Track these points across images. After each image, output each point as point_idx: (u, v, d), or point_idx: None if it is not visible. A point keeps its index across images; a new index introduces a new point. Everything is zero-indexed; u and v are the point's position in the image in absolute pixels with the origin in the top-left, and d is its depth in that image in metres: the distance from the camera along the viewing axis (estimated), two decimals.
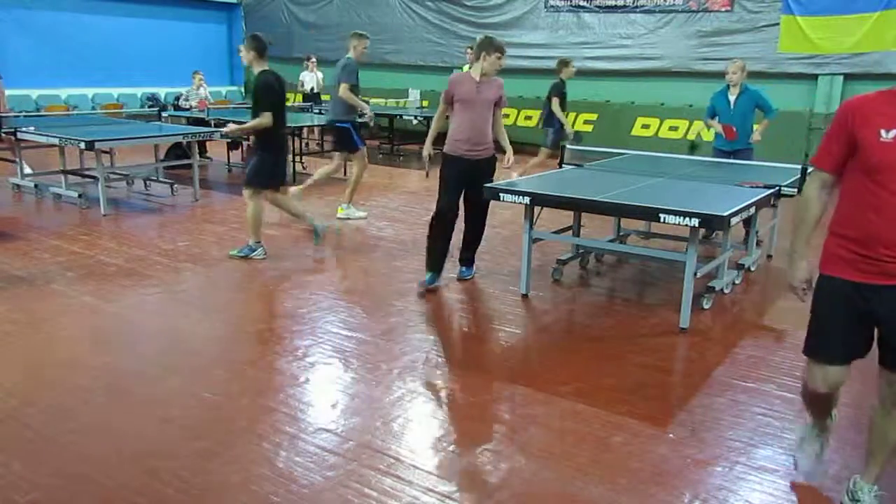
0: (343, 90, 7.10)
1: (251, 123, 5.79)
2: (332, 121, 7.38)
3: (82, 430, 3.21)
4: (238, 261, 5.88)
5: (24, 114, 11.06)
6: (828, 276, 2.53)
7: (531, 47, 13.03)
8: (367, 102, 8.34)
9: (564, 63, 8.82)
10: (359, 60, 7.24)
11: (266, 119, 5.62)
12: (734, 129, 6.47)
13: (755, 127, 6.61)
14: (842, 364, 2.57)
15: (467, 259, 5.55)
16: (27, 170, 8.76)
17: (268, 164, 5.82)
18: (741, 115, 6.51)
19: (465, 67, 11.16)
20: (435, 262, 5.22)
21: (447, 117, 5.21)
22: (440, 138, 5.28)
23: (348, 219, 7.49)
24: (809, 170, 2.59)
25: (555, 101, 8.69)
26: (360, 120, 7.45)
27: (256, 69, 5.74)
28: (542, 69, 12.85)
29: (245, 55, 5.80)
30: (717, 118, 6.66)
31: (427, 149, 5.34)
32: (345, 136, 7.31)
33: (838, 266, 2.48)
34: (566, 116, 8.92)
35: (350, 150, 7.42)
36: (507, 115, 13.27)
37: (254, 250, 5.94)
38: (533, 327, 4.73)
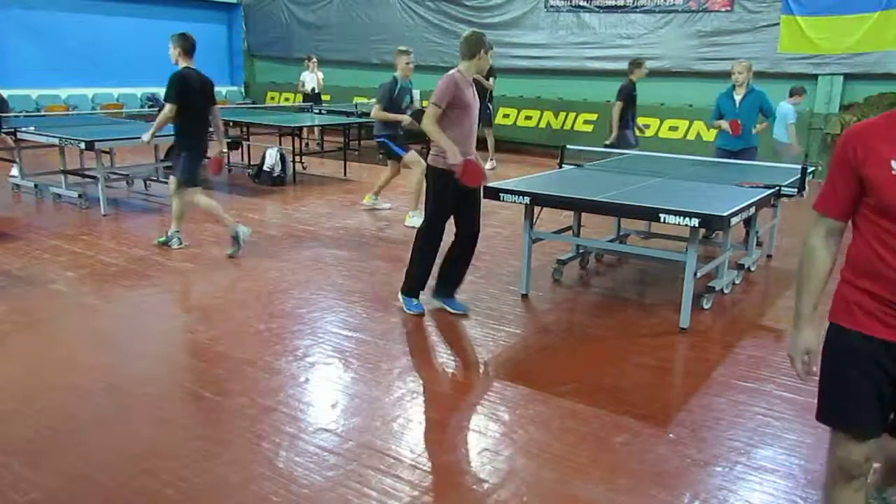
0: (374, 112, 7.46)
1: (158, 118, 6.08)
2: (374, 135, 7.84)
3: (82, 430, 3.21)
4: (238, 261, 5.89)
5: (24, 114, 11.06)
6: (842, 328, 2.01)
7: (531, 47, 13.03)
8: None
9: (637, 64, 8.51)
10: (405, 77, 7.39)
11: (167, 111, 5.85)
12: (739, 122, 6.47)
13: (756, 127, 6.64)
14: (873, 435, 2.03)
15: (453, 289, 4.89)
16: (13, 171, 8.74)
17: (191, 163, 6.01)
18: (746, 115, 6.52)
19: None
20: (421, 282, 4.75)
21: None
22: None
23: (373, 208, 8.06)
24: (814, 218, 2.09)
25: (617, 105, 8.37)
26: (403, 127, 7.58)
27: (181, 66, 5.94)
28: (543, 69, 12.88)
29: (171, 52, 5.96)
30: (722, 119, 6.67)
31: (457, 156, 4.38)
32: (385, 148, 7.63)
33: (857, 317, 1.97)
34: (636, 119, 8.69)
35: (394, 158, 7.69)
36: (507, 115, 13.39)
37: (171, 239, 6.25)
38: (533, 327, 4.73)
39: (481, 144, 8.59)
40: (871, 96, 10.24)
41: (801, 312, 2.10)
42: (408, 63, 7.28)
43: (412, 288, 4.76)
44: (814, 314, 2.09)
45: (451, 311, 4.77)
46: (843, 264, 2.03)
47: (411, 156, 7.50)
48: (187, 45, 5.93)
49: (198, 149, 6.06)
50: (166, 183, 8.79)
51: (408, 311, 4.73)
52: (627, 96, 8.45)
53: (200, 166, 6.14)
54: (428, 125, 4.39)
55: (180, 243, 6.26)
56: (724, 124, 6.58)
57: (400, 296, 4.82)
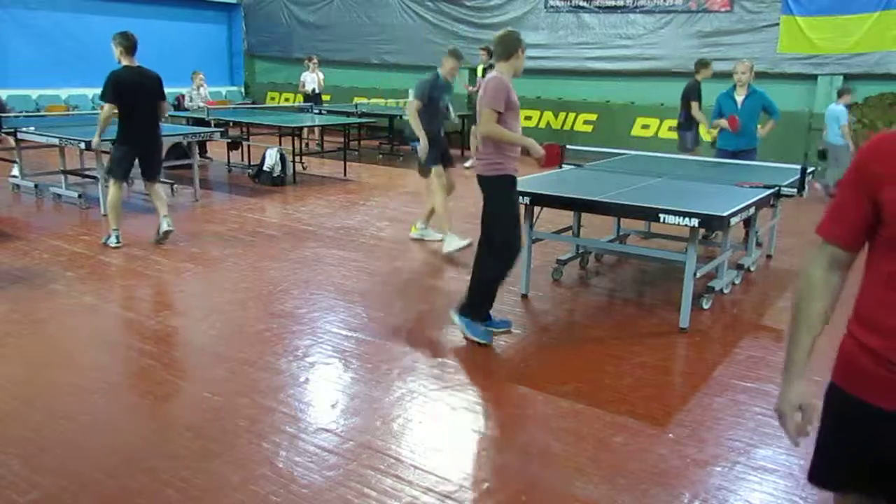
0: (409, 108, 6.49)
1: (98, 119, 6.32)
2: (408, 139, 6.96)
3: (82, 430, 3.21)
4: (238, 261, 5.89)
5: (24, 114, 11.05)
6: (841, 390, 1.70)
7: (531, 47, 12.81)
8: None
9: (704, 64, 8.40)
10: (449, 76, 6.53)
11: (105, 110, 6.08)
12: (737, 118, 6.46)
13: (759, 127, 6.62)
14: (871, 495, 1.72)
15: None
16: (13, 171, 8.77)
17: (117, 156, 6.18)
18: (748, 115, 6.51)
19: (480, 69, 11.27)
20: (489, 306, 4.47)
21: None
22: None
23: (421, 238, 6.81)
24: (817, 245, 1.74)
25: (694, 105, 8.22)
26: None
27: (122, 65, 6.15)
28: (543, 69, 12.87)
29: (114, 51, 6.16)
30: (722, 118, 6.66)
31: (538, 147, 4.28)
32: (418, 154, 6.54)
33: (858, 381, 1.65)
34: (689, 121, 8.50)
35: (424, 168, 6.61)
36: None
37: (110, 237, 6.24)
38: (533, 327, 4.72)
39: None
40: (871, 97, 10.24)
41: (794, 360, 1.74)
42: (453, 67, 6.51)
43: (481, 313, 4.39)
44: (807, 361, 1.73)
45: (496, 331, 4.48)
46: (851, 314, 1.69)
47: (437, 170, 6.51)
48: (128, 45, 6.11)
49: (129, 144, 6.14)
50: (166, 183, 8.80)
51: (475, 338, 4.29)
52: (699, 96, 8.31)
53: (128, 162, 6.23)
54: (493, 129, 4.12)
55: (118, 242, 6.18)
56: (724, 122, 6.57)
57: (461, 319, 4.35)
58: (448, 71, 6.53)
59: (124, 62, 6.10)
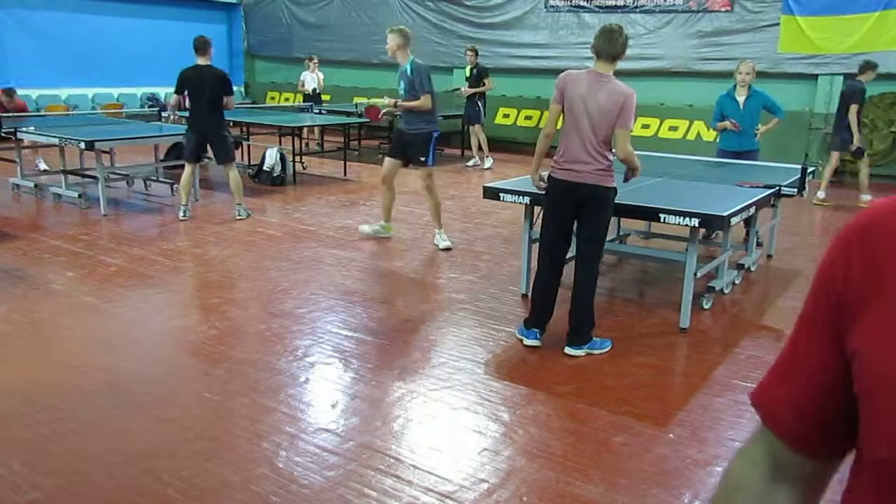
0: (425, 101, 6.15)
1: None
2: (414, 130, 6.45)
3: (82, 430, 3.21)
4: (238, 261, 5.89)
5: (23, 114, 11.04)
6: None
7: (531, 47, 13.03)
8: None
9: (871, 66, 8.29)
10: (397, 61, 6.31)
11: (173, 100, 7.28)
12: (737, 125, 6.44)
13: (760, 127, 6.60)
14: None
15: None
16: (42, 165, 8.87)
17: (184, 141, 7.26)
18: (751, 116, 6.48)
19: (468, 70, 11.29)
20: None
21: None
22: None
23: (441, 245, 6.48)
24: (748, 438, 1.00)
25: (853, 108, 8.17)
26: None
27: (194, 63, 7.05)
28: (542, 69, 12.86)
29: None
30: (724, 120, 6.65)
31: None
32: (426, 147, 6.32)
33: None
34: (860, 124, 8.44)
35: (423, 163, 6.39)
36: (507, 115, 13.39)
37: (180, 210, 7.24)
38: None
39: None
40: (872, 96, 10.23)
41: None
42: (389, 47, 6.30)
43: (594, 324, 4.24)
44: None
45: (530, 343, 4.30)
46: None
47: (387, 161, 6.60)
48: (196, 45, 7.11)
49: (190, 130, 7.28)
50: (166, 183, 8.81)
51: (602, 351, 4.18)
52: (863, 98, 8.29)
53: (190, 146, 7.29)
54: (629, 150, 3.97)
55: (184, 215, 7.28)
56: (728, 124, 6.53)
57: (586, 347, 4.16)
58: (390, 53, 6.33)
59: (199, 61, 7.08)
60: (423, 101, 6.14)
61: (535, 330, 4.28)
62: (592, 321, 4.20)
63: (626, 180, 4.17)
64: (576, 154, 3.96)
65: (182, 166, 9.06)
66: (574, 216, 4.11)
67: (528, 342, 4.28)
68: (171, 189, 8.71)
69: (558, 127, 4.16)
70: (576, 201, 4.03)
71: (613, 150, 4.05)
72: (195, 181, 8.38)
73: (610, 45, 3.89)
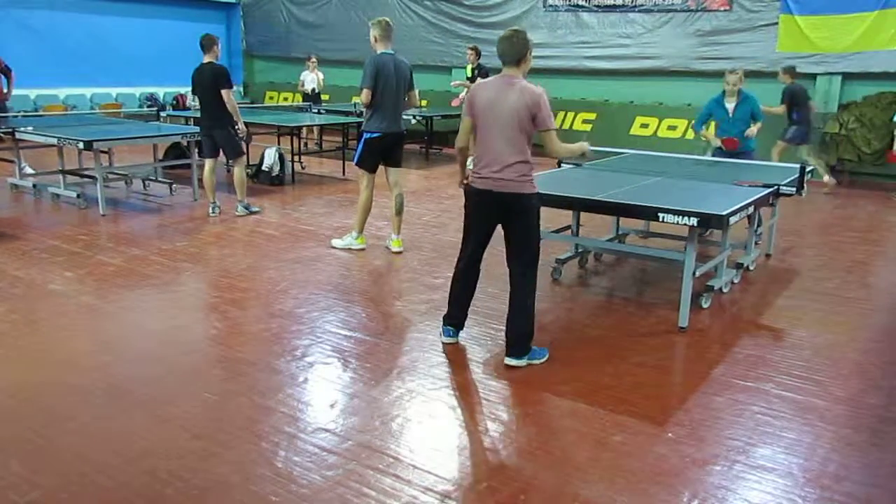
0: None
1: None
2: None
3: (82, 430, 3.21)
4: (237, 261, 5.89)
5: (22, 114, 11.04)
6: None
7: None
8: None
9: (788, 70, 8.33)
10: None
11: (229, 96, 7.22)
12: (736, 140, 6.43)
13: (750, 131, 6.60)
14: None
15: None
16: (28, 170, 8.78)
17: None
18: (740, 122, 6.47)
19: (469, 69, 11.28)
20: None
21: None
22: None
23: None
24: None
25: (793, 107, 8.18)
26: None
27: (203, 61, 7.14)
28: (541, 69, 12.85)
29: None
30: (714, 126, 6.64)
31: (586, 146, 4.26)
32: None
33: None
34: None
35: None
36: None
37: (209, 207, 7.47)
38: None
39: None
40: (870, 96, 10.24)
41: None
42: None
43: (533, 334, 4.07)
44: None
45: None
46: None
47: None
48: (201, 42, 7.27)
49: (199, 126, 7.75)
50: (165, 183, 8.81)
51: (541, 360, 4.05)
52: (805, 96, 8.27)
53: (203, 142, 7.66)
54: (560, 148, 3.95)
55: (212, 212, 7.60)
56: (716, 141, 6.54)
57: (525, 359, 4.00)
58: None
59: (205, 59, 7.21)
60: (361, 96, 5.86)
61: (450, 328, 4.30)
62: (532, 331, 4.04)
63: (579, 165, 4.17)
64: (492, 161, 3.87)
65: (182, 166, 9.12)
66: (495, 224, 4.02)
67: (443, 339, 4.31)
68: (170, 189, 8.71)
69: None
70: (496, 211, 3.93)
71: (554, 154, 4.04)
72: (195, 178, 8.40)
73: (511, 49, 3.84)
